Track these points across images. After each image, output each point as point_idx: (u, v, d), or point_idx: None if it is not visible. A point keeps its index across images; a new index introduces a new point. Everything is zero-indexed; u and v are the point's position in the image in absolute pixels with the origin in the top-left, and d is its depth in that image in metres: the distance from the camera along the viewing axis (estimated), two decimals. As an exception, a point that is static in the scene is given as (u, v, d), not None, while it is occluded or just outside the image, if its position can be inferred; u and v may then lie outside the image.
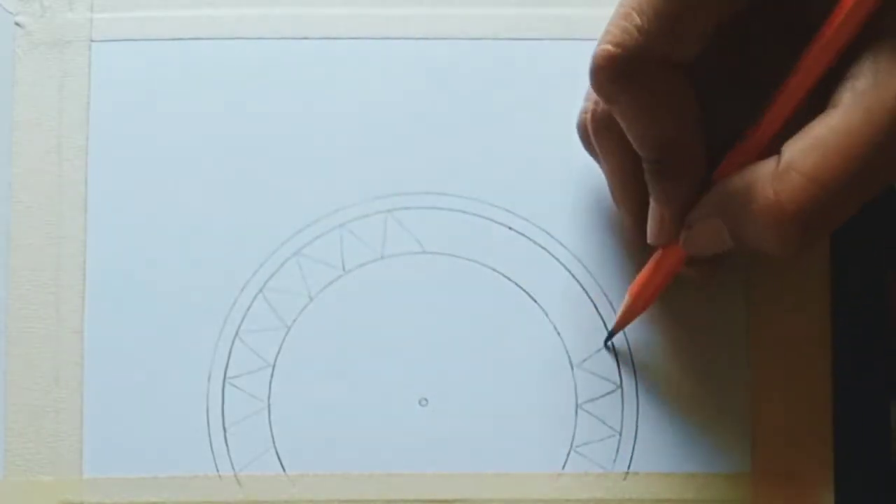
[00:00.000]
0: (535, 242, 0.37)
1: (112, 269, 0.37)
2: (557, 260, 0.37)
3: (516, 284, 0.37)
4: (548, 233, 0.37)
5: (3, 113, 0.37)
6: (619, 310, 0.36)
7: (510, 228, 0.37)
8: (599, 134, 0.34)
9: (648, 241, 0.34)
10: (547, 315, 0.37)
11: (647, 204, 0.34)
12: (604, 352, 0.37)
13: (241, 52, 0.38)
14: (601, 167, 0.35)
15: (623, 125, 0.32)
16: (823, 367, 0.36)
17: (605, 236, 0.37)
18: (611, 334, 0.36)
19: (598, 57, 0.31)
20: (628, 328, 0.36)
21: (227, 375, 0.37)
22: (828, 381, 0.36)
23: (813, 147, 0.29)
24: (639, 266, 0.36)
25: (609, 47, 0.30)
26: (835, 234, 0.37)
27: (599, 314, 0.37)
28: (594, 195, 0.37)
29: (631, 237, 0.36)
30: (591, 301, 0.37)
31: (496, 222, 0.37)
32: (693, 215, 0.33)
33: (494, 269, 0.37)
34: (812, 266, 0.37)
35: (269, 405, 0.37)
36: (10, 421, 0.36)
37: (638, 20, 0.30)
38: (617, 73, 0.30)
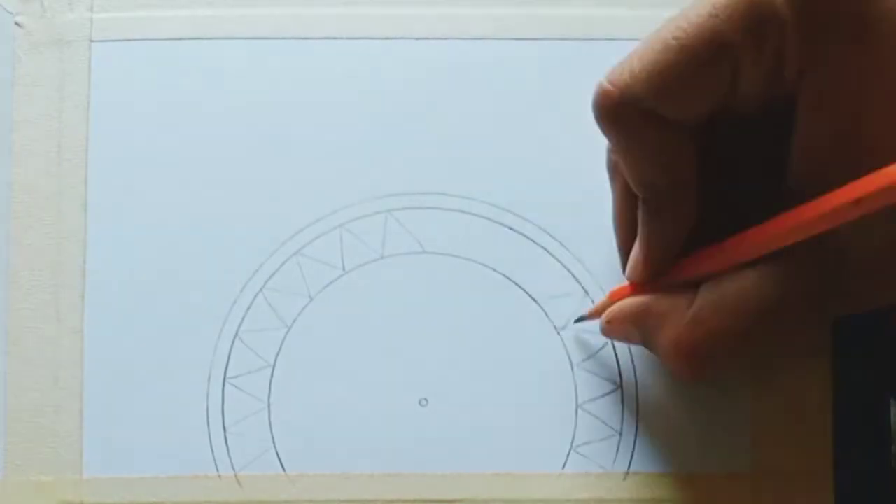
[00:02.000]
0: (535, 242, 0.37)
1: (112, 269, 0.37)
2: (557, 260, 0.37)
3: (516, 284, 0.37)
4: (548, 233, 0.37)
5: (3, 113, 0.37)
6: (593, 307, 0.36)
7: (510, 228, 0.37)
8: (609, 164, 0.35)
9: (625, 275, 0.35)
10: (547, 315, 0.37)
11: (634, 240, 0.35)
12: (604, 352, 0.37)
13: (241, 52, 0.38)
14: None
15: (620, 161, 0.33)
16: (823, 368, 0.36)
17: (606, 237, 0.37)
18: (580, 319, 0.37)
19: (595, 90, 0.32)
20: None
21: (227, 375, 0.37)
22: (828, 381, 0.36)
23: (720, 305, 0.32)
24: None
25: (605, 83, 0.31)
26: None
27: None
28: (595, 195, 0.37)
29: (621, 268, 0.36)
30: (592, 301, 0.37)
31: (496, 222, 0.37)
32: (613, 314, 0.35)
33: (494, 269, 0.37)
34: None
35: (269, 405, 0.37)
36: (10, 421, 0.36)
37: (636, 65, 0.31)
38: (607, 110, 0.31)
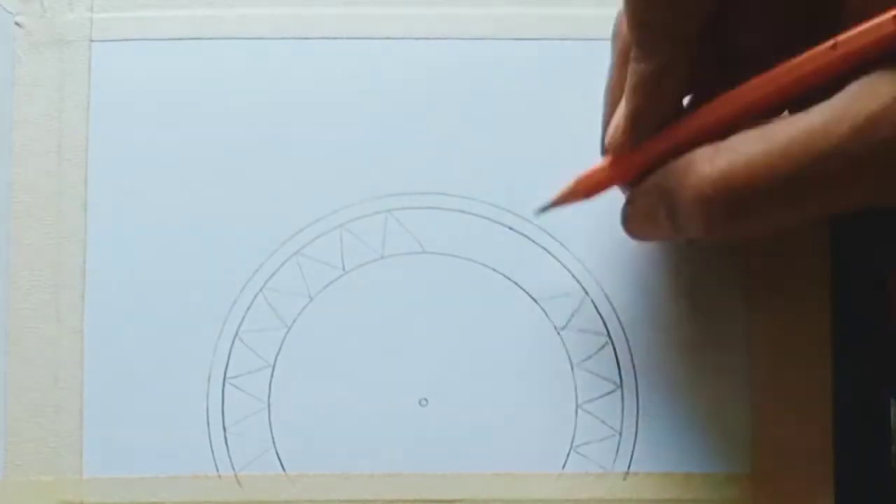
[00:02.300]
0: (535, 242, 0.37)
1: (112, 269, 0.37)
2: (557, 260, 0.37)
3: (516, 284, 0.37)
4: (548, 233, 0.37)
5: (3, 113, 0.37)
6: (559, 192, 0.34)
7: (510, 228, 0.37)
8: (615, 29, 0.33)
9: (605, 140, 0.33)
10: (547, 315, 0.37)
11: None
12: (604, 351, 0.37)
13: (241, 52, 0.38)
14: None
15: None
16: (823, 368, 0.36)
17: (606, 237, 0.37)
18: (544, 209, 0.35)
19: None
20: (630, 328, 0.36)
21: (227, 375, 0.37)
22: (828, 381, 0.36)
23: (762, 136, 0.28)
24: (639, 267, 0.36)
25: None
26: (835, 234, 0.37)
27: (599, 314, 0.37)
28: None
29: (601, 145, 0.34)
30: (591, 301, 0.37)
31: (496, 222, 0.37)
32: (635, 191, 0.32)
33: (494, 269, 0.37)
34: (812, 266, 0.37)
35: (269, 405, 0.37)
36: (10, 421, 0.36)
37: None
38: None
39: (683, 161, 0.30)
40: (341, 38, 0.38)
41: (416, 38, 0.38)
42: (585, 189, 0.34)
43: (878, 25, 0.27)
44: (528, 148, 0.37)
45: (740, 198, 0.28)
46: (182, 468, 0.36)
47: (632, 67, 0.30)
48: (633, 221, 0.33)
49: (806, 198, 0.28)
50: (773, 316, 0.37)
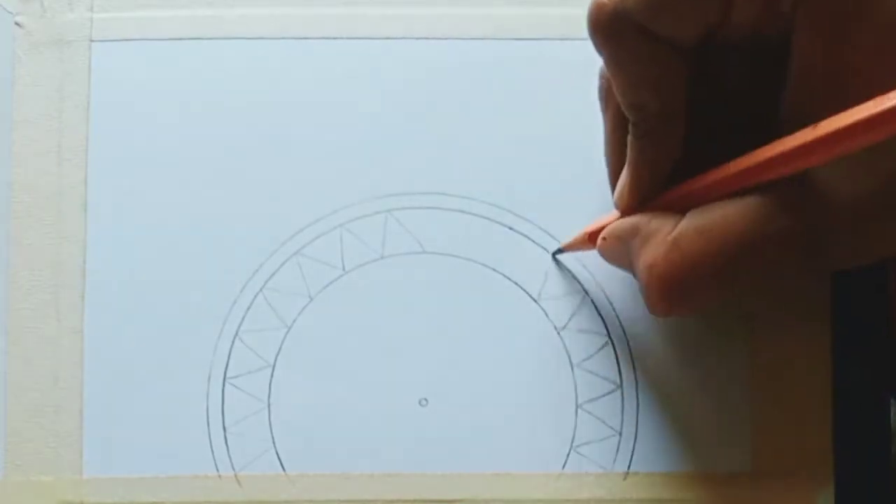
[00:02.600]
0: (535, 242, 0.37)
1: (112, 269, 0.37)
2: (558, 260, 0.37)
3: (516, 284, 0.37)
4: (548, 233, 0.37)
5: (3, 113, 0.37)
6: (572, 238, 0.36)
7: (510, 228, 0.37)
8: (601, 92, 0.35)
9: (613, 201, 0.35)
10: (547, 315, 0.37)
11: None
12: (604, 351, 0.37)
13: (240, 52, 0.38)
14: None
15: (611, 80, 0.33)
16: (823, 368, 0.36)
17: (605, 236, 0.37)
18: (559, 251, 0.37)
19: (590, 4, 0.31)
20: (630, 328, 0.37)
21: (227, 375, 0.37)
22: (828, 381, 0.36)
23: (703, 231, 0.31)
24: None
25: None
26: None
27: (599, 314, 0.37)
28: (595, 195, 0.37)
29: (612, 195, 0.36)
30: (592, 301, 0.37)
31: (496, 222, 0.37)
32: (608, 231, 0.34)
33: (494, 269, 0.37)
34: (812, 266, 0.37)
35: (269, 405, 0.37)
36: (10, 421, 0.36)
37: None
38: (601, 23, 0.31)
39: (647, 227, 0.33)
40: (341, 38, 0.38)
41: (416, 38, 0.38)
42: (594, 239, 0.36)
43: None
44: (528, 148, 0.37)
45: (681, 294, 0.32)
46: (182, 468, 0.36)
47: (632, 146, 0.33)
48: (604, 254, 0.35)
49: (736, 288, 0.32)
50: (774, 317, 0.37)
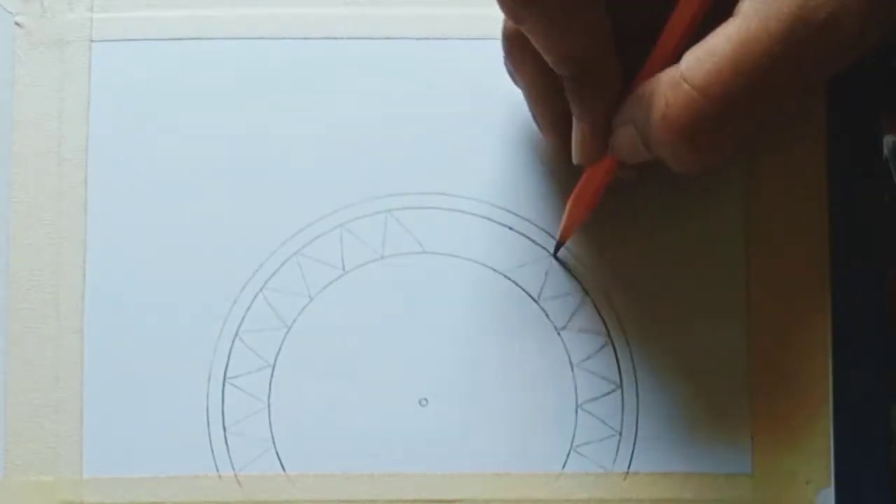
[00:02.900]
0: (535, 242, 0.37)
1: (112, 269, 0.37)
2: (557, 260, 0.37)
3: (516, 284, 0.37)
4: (548, 233, 0.37)
5: (3, 113, 0.37)
6: (561, 222, 0.36)
7: (510, 228, 0.37)
8: (512, 53, 0.34)
9: (574, 161, 0.34)
10: (547, 315, 0.37)
11: (568, 120, 0.33)
12: (604, 351, 0.37)
13: (241, 52, 0.38)
14: (521, 90, 0.35)
15: (534, 43, 0.31)
16: (823, 368, 0.36)
17: (606, 237, 0.37)
18: (557, 246, 0.37)
19: None
20: (630, 328, 0.36)
21: (227, 375, 0.37)
22: (828, 381, 0.36)
23: (707, 57, 0.29)
24: (639, 267, 0.36)
25: None
26: (835, 233, 0.37)
27: (599, 314, 0.37)
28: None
29: (555, 161, 0.35)
30: (592, 301, 0.37)
31: (496, 222, 0.37)
32: (615, 120, 0.32)
33: (494, 269, 0.37)
34: (812, 265, 0.37)
35: (269, 405, 0.37)
36: (10, 421, 0.36)
37: None
38: None
39: (646, 92, 0.31)
40: (341, 38, 0.38)
41: (416, 38, 0.38)
42: (585, 205, 0.35)
43: None
44: (528, 148, 0.37)
45: (701, 130, 0.29)
46: (182, 468, 0.36)
47: (576, 99, 0.32)
48: (619, 151, 0.33)
49: (769, 103, 0.29)
50: (773, 318, 0.37)
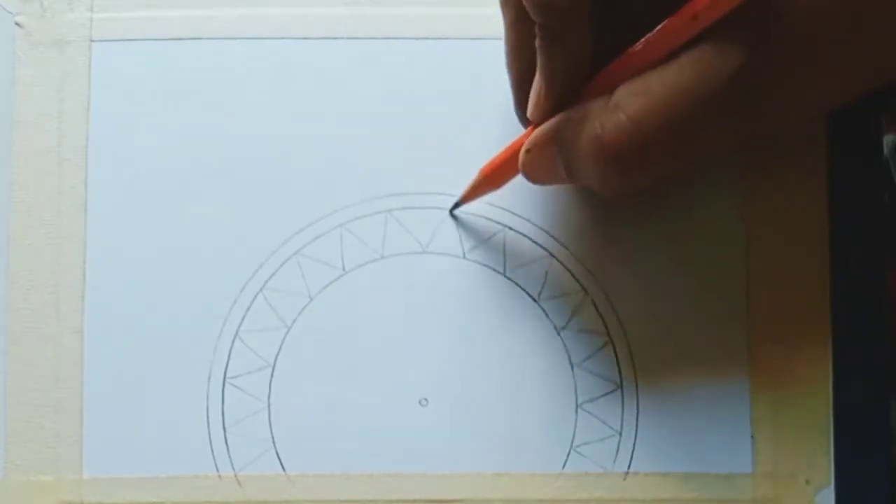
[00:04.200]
0: (535, 242, 0.37)
1: (112, 269, 0.37)
2: (557, 260, 0.37)
3: (516, 284, 0.37)
4: (548, 233, 0.37)
5: (3, 113, 0.37)
6: (470, 184, 0.36)
7: (510, 228, 0.37)
8: None
9: (528, 114, 0.34)
10: (547, 315, 0.37)
11: (532, 76, 0.33)
12: (604, 351, 0.37)
13: (241, 52, 0.38)
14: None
15: None
16: (823, 368, 0.36)
17: (606, 237, 0.37)
18: (456, 204, 0.37)
19: None
20: (630, 328, 0.37)
21: (227, 375, 0.37)
22: (828, 381, 0.36)
23: (642, 93, 0.31)
24: (639, 267, 0.36)
25: None
26: (835, 234, 0.37)
27: (599, 314, 0.37)
28: (595, 195, 0.37)
29: (515, 111, 0.35)
30: (592, 301, 0.37)
31: (497, 222, 0.37)
32: (532, 140, 0.33)
33: (495, 270, 0.37)
34: (812, 265, 0.37)
35: (269, 405, 0.37)
36: (10, 421, 0.36)
37: None
38: None
39: (577, 114, 0.32)
40: (341, 38, 0.38)
41: (416, 38, 0.38)
42: (494, 179, 0.35)
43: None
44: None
45: (631, 156, 0.31)
46: (182, 468, 0.36)
47: (542, 50, 0.32)
48: (531, 168, 0.34)
49: (690, 145, 0.32)
50: (773, 317, 0.37)
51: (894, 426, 0.36)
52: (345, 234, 0.37)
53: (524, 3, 0.32)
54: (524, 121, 0.35)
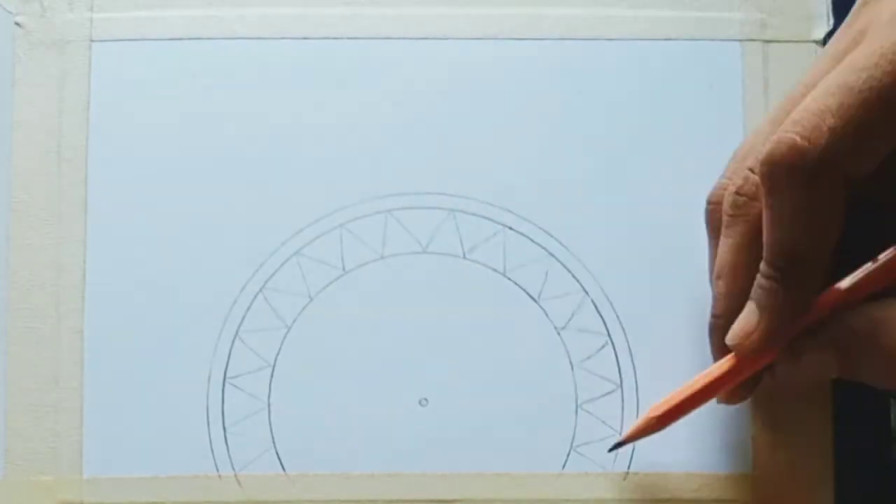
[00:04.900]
0: (535, 242, 0.37)
1: (112, 269, 0.37)
2: (557, 260, 0.37)
3: (516, 284, 0.37)
4: (548, 233, 0.37)
5: (3, 113, 0.37)
6: (636, 425, 0.35)
7: (510, 228, 0.37)
8: (735, 211, 0.33)
9: (728, 340, 0.33)
10: (547, 315, 0.37)
11: (744, 297, 0.33)
12: (604, 351, 0.37)
13: (241, 52, 0.38)
14: (711, 244, 0.35)
15: (767, 219, 0.31)
16: (823, 367, 0.36)
17: (606, 236, 0.37)
18: (619, 444, 0.35)
19: (783, 144, 0.29)
20: (630, 328, 0.37)
21: (227, 375, 0.37)
22: (828, 381, 0.36)
23: None
24: (639, 267, 0.36)
25: (797, 139, 0.29)
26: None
27: (599, 314, 0.37)
28: (594, 195, 0.37)
29: (714, 324, 0.34)
30: (592, 301, 0.37)
31: (496, 222, 0.37)
32: (805, 344, 0.32)
33: (495, 270, 0.37)
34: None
35: (269, 405, 0.37)
36: (10, 421, 0.36)
37: (832, 121, 0.28)
38: (797, 168, 0.29)
39: (866, 322, 0.31)
40: (341, 38, 0.38)
41: (417, 38, 0.38)
42: (663, 421, 0.34)
43: None
44: (528, 148, 0.37)
45: None
46: (182, 468, 0.36)
47: (770, 292, 0.31)
48: (798, 373, 0.33)
49: None
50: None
51: (894, 426, 0.36)
52: (345, 234, 0.37)
53: (767, 248, 0.31)
54: (720, 330, 0.34)
